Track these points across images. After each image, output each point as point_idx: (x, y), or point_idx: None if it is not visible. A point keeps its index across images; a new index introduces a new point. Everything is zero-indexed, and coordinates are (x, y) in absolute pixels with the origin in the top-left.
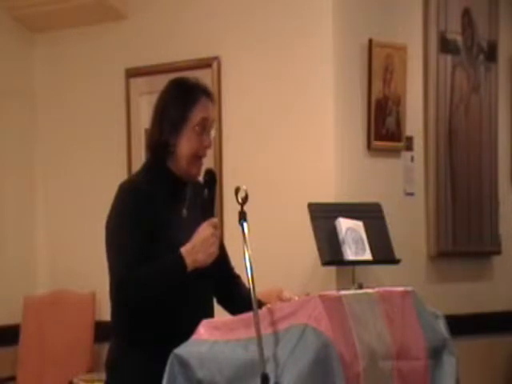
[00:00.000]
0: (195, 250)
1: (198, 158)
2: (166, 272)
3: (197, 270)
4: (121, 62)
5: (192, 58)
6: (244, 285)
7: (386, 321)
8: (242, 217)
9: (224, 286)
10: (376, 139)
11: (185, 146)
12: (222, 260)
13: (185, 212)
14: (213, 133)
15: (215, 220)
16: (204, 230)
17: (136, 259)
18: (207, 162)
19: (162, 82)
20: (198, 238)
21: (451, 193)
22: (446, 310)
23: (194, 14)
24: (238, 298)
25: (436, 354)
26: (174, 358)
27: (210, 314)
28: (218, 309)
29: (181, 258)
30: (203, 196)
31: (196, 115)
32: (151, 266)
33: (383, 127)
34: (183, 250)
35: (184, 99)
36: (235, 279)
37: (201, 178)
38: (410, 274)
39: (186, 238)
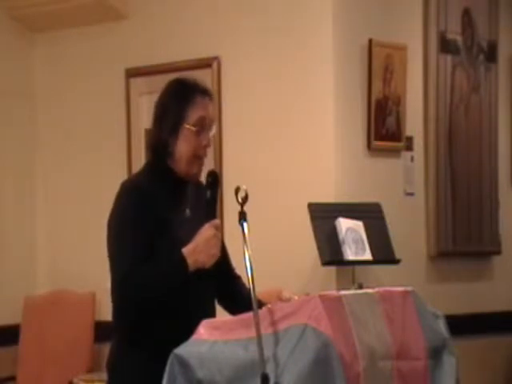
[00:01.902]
0: (197, 251)
1: (197, 157)
2: (167, 272)
3: (198, 271)
4: (121, 62)
5: (192, 58)
6: (244, 285)
7: (386, 321)
8: (242, 217)
9: (224, 286)
10: (376, 139)
11: (183, 145)
12: (222, 260)
13: (188, 212)
14: (213, 131)
15: (217, 221)
16: (206, 231)
17: (138, 258)
18: (207, 162)
19: (162, 82)
20: (200, 238)
21: (451, 193)
22: (446, 310)
23: (194, 14)
24: (239, 298)
25: (436, 353)
26: (174, 358)
27: (211, 314)
28: (219, 309)
29: (183, 259)
30: (205, 197)
31: (193, 114)
32: (153, 266)
33: (383, 127)
34: (185, 250)
35: (180, 99)
36: (236, 279)
37: (203, 179)
38: (410, 274)
39: (189, 238)
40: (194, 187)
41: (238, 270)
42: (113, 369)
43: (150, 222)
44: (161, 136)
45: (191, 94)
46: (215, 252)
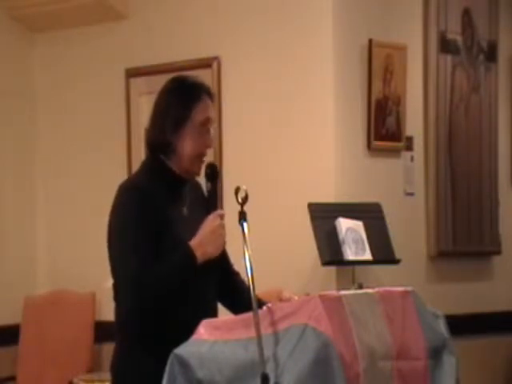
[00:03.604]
0: (204, 243)
1: (200, 157)
2: (178, 268)
3: (200, 270)
4: (121, 62)
5: (192, 58)
6: (243, 281)
7: (386, 321)
8: (242, 217)
9: (223, 283)
10: (376, 139)
11: (188, 145)
12: (222, 256)
13: (185, 211)
14: (212, 131)
15: (222, 211)
16: (211, 222)
17: (144, 258)
18: (207, 161)
19: (161, 82)
20: (205, 230)
21: (451, 193)
22: (446, 310)
23: (194, 14)
24: (238, 295)
25: (436, 354)
26: (174, 358)
27: (213, 313)
28: (220, 309)
29: (191, 252)
30: (206, 189)
31: (199, 115)
32: (162, 264)
33: (383, 127)
34: (192, 243)
35: (187, 99)
36: (234, 276)
37: (199, 178)
38: (410, 274)
39: (189, 236)
40: (191, 186)
41: (238, 270)
42: (115, 370)
43: (152, 221)
44: (163, 135)
45: (198, 94)
46: (222, 242)
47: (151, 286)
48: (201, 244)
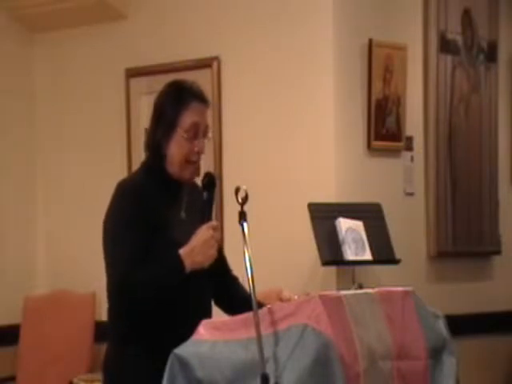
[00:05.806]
0: (195, 252)
1: (189, 162)
2: (164, 274)
3: (195, 272)
4: (121, 62)
5: (192, 58)
6: (242, 286)
7: (386, 321)
8: (242, 217)
9: (222, 288)
10: (376, 139)
11: (175, 149)
12: (219, 261)
13: (183, 214)
14: (209, 136)
15: (215, 223)
16: (203, 233)
17: (134, 260)
18: (207, 163)
19: (162, 82)
20: (197, 240)
21: (451, 193)
22: (446, 310)
23: (194, 14)
24: (236, 300)
25: (436, 353)
26: (174, 358)
27: (207, 314)
28: (216, 310)
29: (180, 260)
30: (202, 199)
31: (186, 120)
32: (150, 267)
33: (383, 127)
34: (182, 251)
35: (175, 103)
36: (233, 281)
37: (199, 181)
38: (410, 274)
39: (185, 239)
40: (189, 189)
41: (238, 270)
42: (110, 370)
43: (146, 223)
44: (154, 137)
45: (186, 98)
46: (213, 253)
47: (136, 288)
48: (191, 253)
